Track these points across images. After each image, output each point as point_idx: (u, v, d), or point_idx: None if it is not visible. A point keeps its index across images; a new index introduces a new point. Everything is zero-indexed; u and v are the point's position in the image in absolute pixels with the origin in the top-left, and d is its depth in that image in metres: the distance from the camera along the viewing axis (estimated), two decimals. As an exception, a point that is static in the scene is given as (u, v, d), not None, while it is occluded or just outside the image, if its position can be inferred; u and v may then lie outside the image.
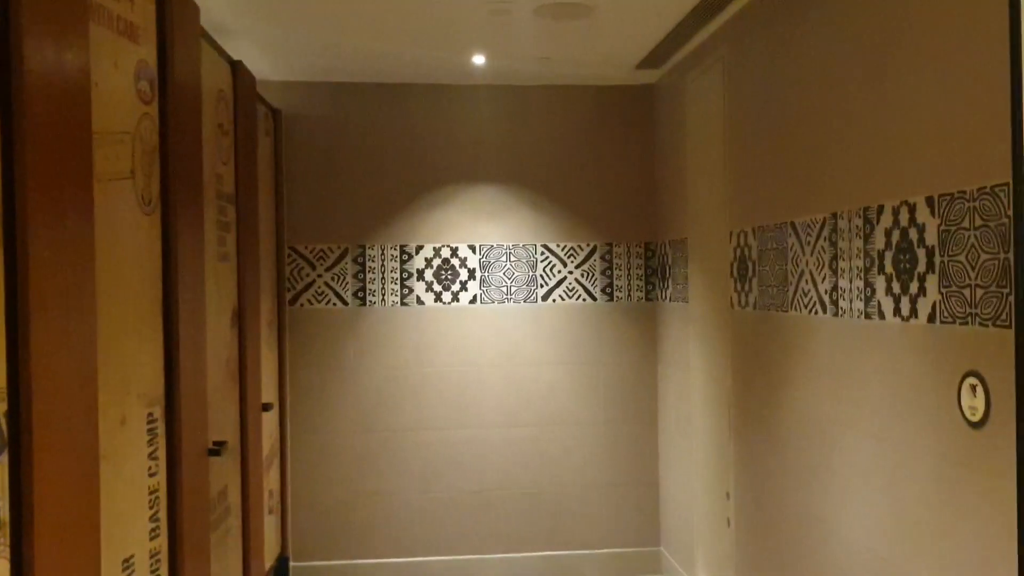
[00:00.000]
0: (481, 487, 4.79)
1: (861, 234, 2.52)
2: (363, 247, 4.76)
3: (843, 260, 2.62)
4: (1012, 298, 1.87)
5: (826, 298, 2.73)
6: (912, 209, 2.25)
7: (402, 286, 4.78)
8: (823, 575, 2.78)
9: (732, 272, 3.56)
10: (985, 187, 1.96)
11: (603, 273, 4.88)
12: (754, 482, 3.37)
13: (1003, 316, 1.90)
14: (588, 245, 4.88)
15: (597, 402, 4.86)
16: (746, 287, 3.41)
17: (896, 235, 2.33)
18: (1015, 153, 1.85)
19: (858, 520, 2.55)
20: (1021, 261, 1.84)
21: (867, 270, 2.48)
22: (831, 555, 2.72)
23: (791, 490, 3.02)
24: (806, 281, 2.87)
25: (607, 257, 4.89)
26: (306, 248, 4.73)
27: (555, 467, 4.84)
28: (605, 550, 4.84)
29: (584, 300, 4.87)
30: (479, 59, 4.29)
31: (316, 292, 4.73)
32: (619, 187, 4.89)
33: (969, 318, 2.02)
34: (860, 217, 2.52)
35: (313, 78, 4.68)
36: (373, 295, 4.76)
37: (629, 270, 4.90)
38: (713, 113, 3.82)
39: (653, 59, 4.34)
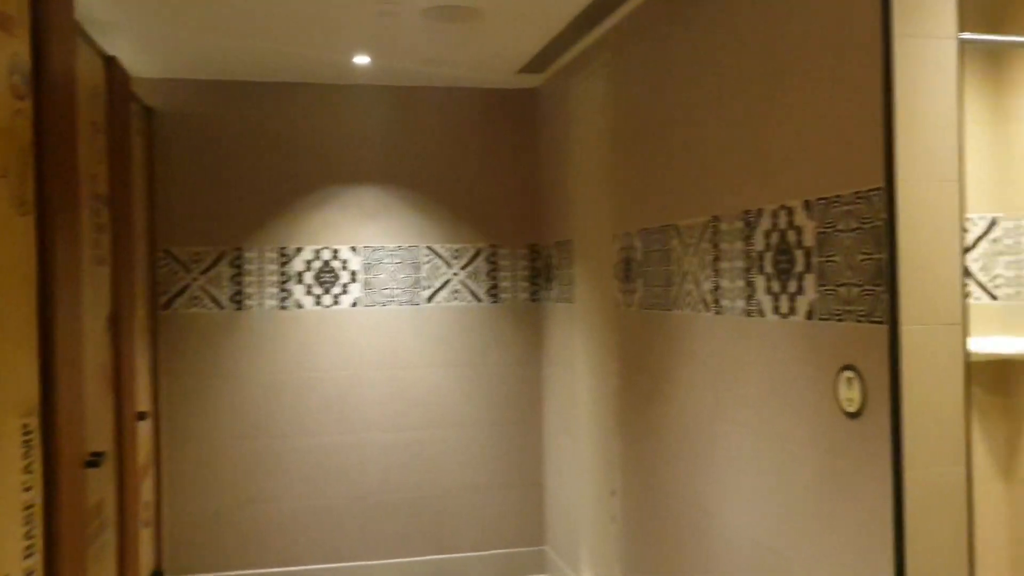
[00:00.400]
0: (364, 492, 4.73)
1: (742, 236, 2.62)
2: (240, 250, 4.63)
3: (725, 261, 2.73)
4: (886, 295, 1.99)
5: (708, 297, 2.84)
6: (791, 213, 2.37)
7: (281, 289, 4.68)
8: (708, 566, 2.88)
9: (617, 273, 3.65)
10: (860, 192, 2.08)
11: (488, 275, 4.91)
12: (639, 479, 3.46)
13: (877, 312, 2.02)
14: (473, 247, 4.89)
15: (482, 404, 4.88)
16: (631, 287, 3.50)
17: (775, 237, 2.44)
18: (887, 160, 1.97)
19: (742, 510, 2.66)
20: (894, 260, 1.96)
21: (748, 270, 2.59)
22: (716, 546, 2.83)
23: (676, 485, 3.12)
24: (689, 281, 2.97)
25: (492, 259, 4.91)
26: (181, 251, 4.56)
27: (440, 470, 4.83)
28: (490, 551, 4.86)
29: (469, 302, 4.88)
30: (363, 59, 4.24)
31: (191, 296, 4.57)
32: (504, 189, 4.93)
33: (845, 315, 2.14)
34: (741, 220, 2.63)
35: (189, 75, 4.52)
36: (251, 299, 4.64)
37: (514, 271, 4.95)
38: (597, 118, 3.90)
39: (536, 64, 4.39)
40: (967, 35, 2.01)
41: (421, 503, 4.80)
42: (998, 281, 3.15)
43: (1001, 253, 3.14)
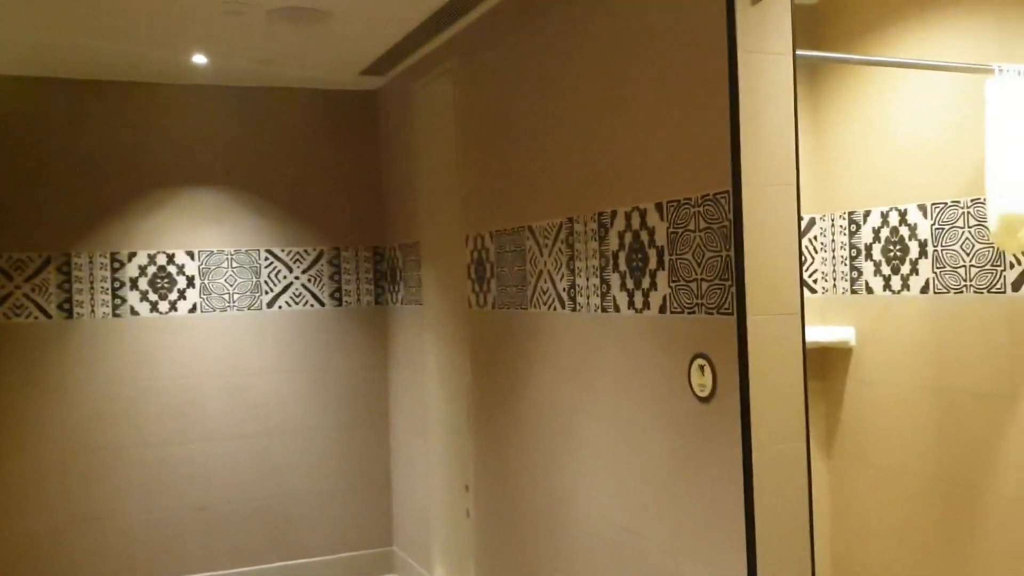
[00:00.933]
0: (207, 502, 4.60)
1: (596, 237, 2.78)
2: (68, 255, 4.39)
3: (580, 260, 2.87)
4: (734, 289, 2.18)
5: (564, 295, 2.98)
6: (643, 214, 2.53)
7: (114, 296, 4.48)
8: (566, 552, 3.02)
9: (469, 274, 3.74)
10: (708, 194, 2.26)
11: (331, 278, 4.88)
12: (494, 473, 3.57)
13: (726, 305, 2.21)
14: (315, 250, 4.85)
15: (327, 409, 4.85)
16: (484, 288, 3.60)
17: (629, 237, 2.61)
18: (734, 165, 2.16)
19: (600, 496, 2.81)
20: (740, 257, 2.15)
21: (603, 268, 2.74)
22: (574, 532, 2.97)
23: (533, 477, 3.24)
24: (545, 280, 3.10)
25: (335, 261, 4.89)
26: (1, 257, 4.28)
27: (285, 477, 4.76)
28: (337, 555, 4.84)
29: (312, 306, 4.84)
30: (200, 59, 4.13)
31: (14, 305, 4.29)
32: (346, 191, 4.91)
33: (696, 308, 2.32)
34: (595, 221, 2.78)
35: (12, 72, 4.24)
36: (81, 307, 4.41)
37: (358, 274, 4.94)
38: (444, 121, 3.97)
39: (379, 66, 4.42)
40: (801, 52, 2.23)
41: (266, 511, 4.72)
42: (816, 276, 3.47)
43: (817, 250, 3.46)
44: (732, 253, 2.18)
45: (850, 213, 3.32)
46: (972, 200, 2.84)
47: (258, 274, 4.74)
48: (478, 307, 3.67)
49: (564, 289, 2.98)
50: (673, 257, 2.41)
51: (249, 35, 3.77)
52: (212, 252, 4.66)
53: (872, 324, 3.23)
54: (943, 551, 2.97)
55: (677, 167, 2.39)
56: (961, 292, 2.89)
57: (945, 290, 2.95)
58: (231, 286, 4.69)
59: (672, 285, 2.42)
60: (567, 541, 3.01)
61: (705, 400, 2.30)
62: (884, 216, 3.17)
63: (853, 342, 3.30)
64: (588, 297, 2.83)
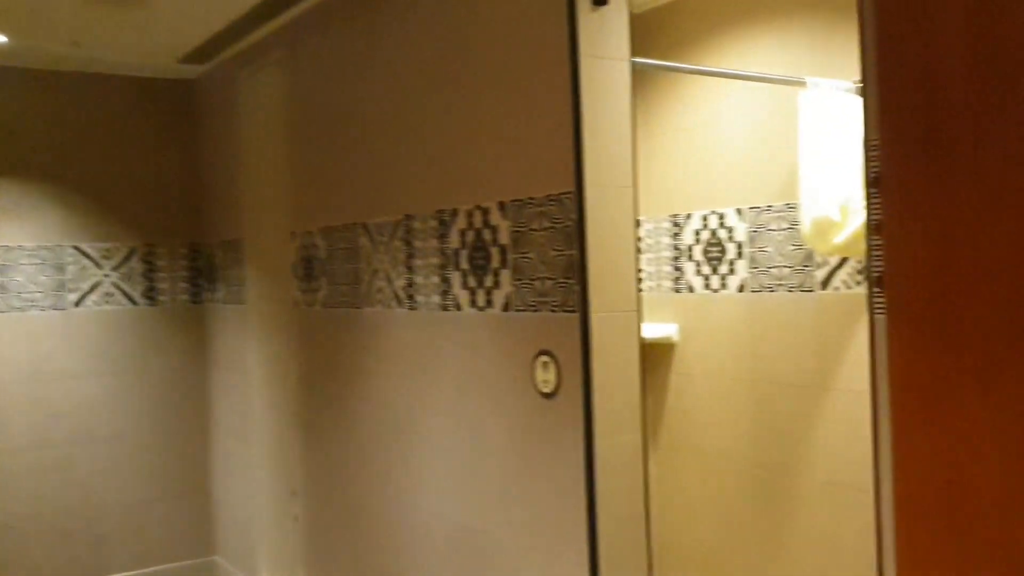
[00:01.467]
0: (7, 520, 4.23)
1: (436, 234, 2.77)
2: None
3: (419, 258, 2.86)
4: (577, 287, 2.23)
5: (402, 293, 2.95)
6: (486, 213, 2.55)
7: None
8: (402, 554, 3.00)
9: (297, 272, 3.64)
10: (552, 195, 2.31)
11: (144, 275, 4.61)
12: (326, 475, 3.49)
13: (570, 302, 2.26)
14: (126, 246, 4.57)
15: (141, 414, 4.58)
16: (314, 286, 3.51)
17: (471, 236, 2.62)
18: (577, 166, 2.22)
19: (442, 495, 2.81)
20: (583, 256, 2.21)
21: (443, 267, 2.74)
22: (412, 533, 2.95)
23: (368, 478, 3.19)
24: (380, 278, 3.06)
25: (148, 258, 4.63)
26: None
27: (94, 488, 4.46)
28: (154, 567, 4.58)
29: (123, 305, 4.56)
30: (0, 38, 3.79)
31: None
32: (161, 185, 4.66)
33: (540, 305, 2.36)
34: (435, 219, 2.77)
35: None
36: None
37: (173, 272, 4.70)
38: (272, 113, 3.85)
39: (200, 54, 4.22)
40: (637, 59, 2.32)
41: (74, 525, 4.40)
42: (642, 275, 3.61)
43: (643, 251, 3.61)
44: (576, 252, 2.23)
45: (673, 216, 3.48)
46: (786, 205, 3.05)
47: (62, 271, 4.41)
48: (306, 306, 3.58)
49: (402, 287, 2.95)
50: (516, 256, 2.44)
51: (55, 13, 3.50)
52: (9, 248, 4.29)
53: (693, 321, 3.41)
54: (761, 533, 3.17)
55: (521, 167, 2.43)
56: (774, 291, 3.10)
57: (760, 289, 3.14)
58: (32, 284, 4.34)
59: (516, 283, 2.45)
60: (405, 542, 2.99)
61: (549, 396, 2.34)
62: (704, 219, 3.34)
63: (676, 338, 3.47)
64: (428, 295, 2.82)
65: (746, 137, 3.17)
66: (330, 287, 3.40)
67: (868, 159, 1.51)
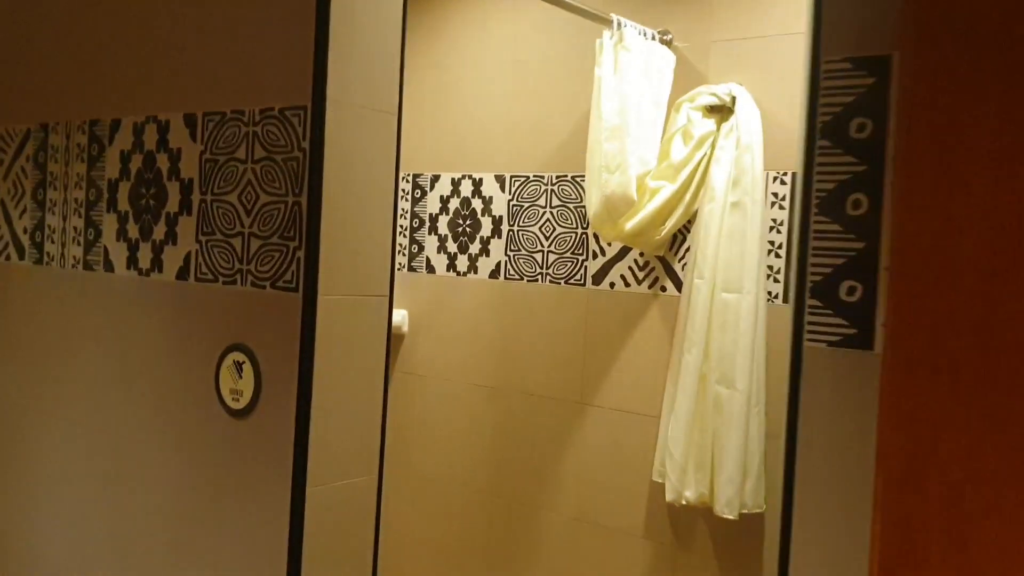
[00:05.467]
0: None
1: (85, 156, 1.85)
2: None
3: (55, 190, 1.92)
4: (302, 253, 1.46)
5: (26, 240, 1.99)
6: (164, 128, 1.69)
7: None
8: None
9: None
10: (272, 109, 1.51)
11: None
12: None
13: (288, 277, 1.48)
14: None
15: None
16: None
17: (138, 161, 1.74)
18: (318, 70, 1.45)
19: (81, 529, 1.90)
20: (317, 206, 1.45)
21: (92, 205, 1.83)
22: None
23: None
24: (-6, 214, 2.07)
25: None
26: None
27: None
28: None
29: None
30: None
31: None
32: None
33: (239, 276, 1.56)
34: (84, 133, 1.85)
35: None
36: None
37: None
38: None
39: None
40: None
41: None
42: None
43: (373, 216, 2.87)
44: (304, 199, 1.46)
45: (415, 176, 2.78)
46: (558, 176, 2.46)
47: None
48: None
49: (26, 230, 1.99)
50: (208, 197, 1.62)
51: None
52: None
53: (429, 308, 2.74)
54: (494, 571, 2.58)
55: (226, 65, 1.60)
56: (536, 280, 2.51)
57: (519, 277, 2.54)
58: None
59: (203, 239, 1.62)
60: (0, 603, 2.04)
61: (240, 414, 1.55)
62: (455, 184, 2.68)
63: (405, 328, 2.78)
64: (64, 245, 1.90)
65: (521, 84, 2.54)
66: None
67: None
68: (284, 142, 1.49)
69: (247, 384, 1.53)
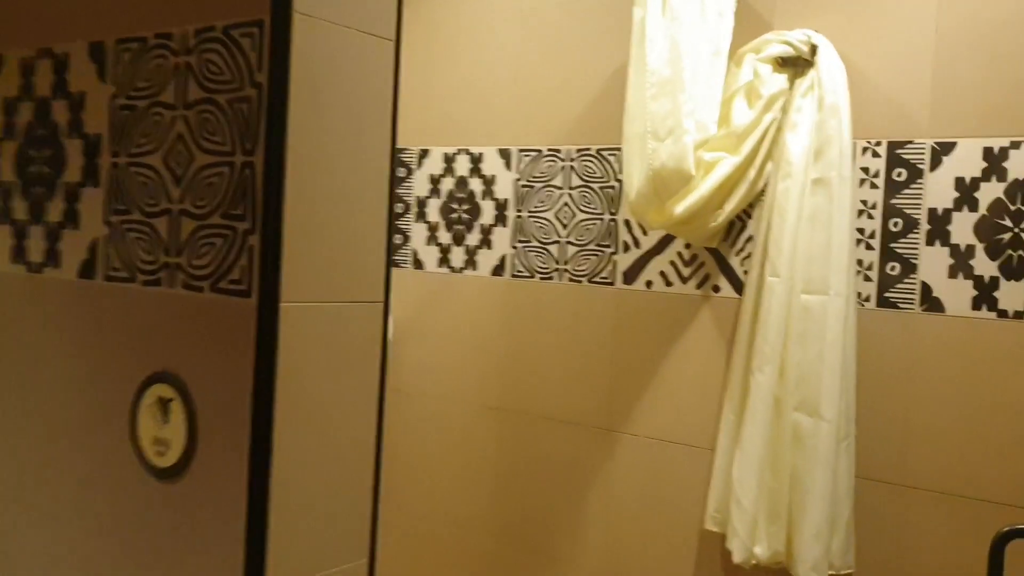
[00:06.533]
0: None
1: (-42, 108, 1.35)
2: None
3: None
4: (257, 242, 0.98)
5: None
6: (62, 63, 1.20)
7: None
8: None
9: None
10: (212, 28, 1.03)
11: None
12: None
13: (233, 273, 1.00)
14: None
15: None
16: None
17: (28, 109, 1.25)
18: None
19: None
20: (279, 169, 0.97)
21: (-34, 175, 1.33)
22: None
23: None
24: None
25: None
26: None
27: None
28: None
29: None
30: None
31: None
32: None
33: (166, 273, 1.07)
34: (-43, 76, 1.35)
35: None
36: None
37: None
38: None
39: None
40: None
41: None
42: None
43: (347, 201, 2.39)
44: (260, 160, 0.98)
45: (400, 151, 2.30)
46: (580, 150, 2.00)
47: None
48: None
49: None
50: (120, 160, 1.13)
51: None
52: None
53: (417, 313, 2.27)
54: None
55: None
56: (551, 278, 2.04)
57: (528, 274, 2.08)
58: None
59: (113, 219, 1.13)
60: None
61: (166, 475, 1.06)
62: (449, 160, 2.21)
63: (389, 336, 2.30)
64: (-69, 231, 1.39)
65: (532, 34, 2.07)
66: None
67: None
68: (230, 76, 1.01)
69: (176, 431, 1.05)
